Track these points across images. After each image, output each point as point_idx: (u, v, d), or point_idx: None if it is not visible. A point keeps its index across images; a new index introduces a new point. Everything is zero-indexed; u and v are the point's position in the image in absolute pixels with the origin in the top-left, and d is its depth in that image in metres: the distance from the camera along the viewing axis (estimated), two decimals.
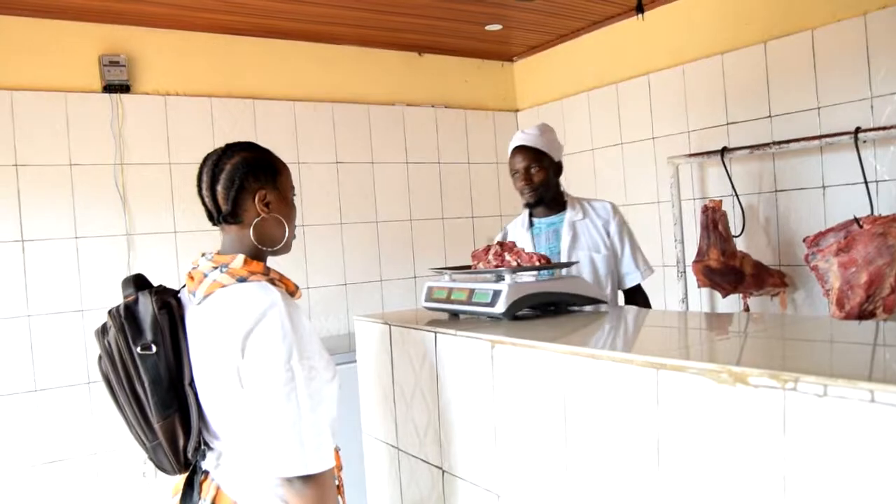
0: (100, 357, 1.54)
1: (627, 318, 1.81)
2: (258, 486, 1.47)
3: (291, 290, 1.54)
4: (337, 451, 1.59)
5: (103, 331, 1.53)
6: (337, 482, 1.55)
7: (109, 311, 1.52)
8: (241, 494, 1.48)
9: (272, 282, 1.49)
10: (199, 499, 1.51)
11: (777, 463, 0.98)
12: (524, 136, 2.58)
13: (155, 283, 1.60)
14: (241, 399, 1.42)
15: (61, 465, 3.19)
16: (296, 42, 3.89)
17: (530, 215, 2.70)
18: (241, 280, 1.47)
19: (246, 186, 1.51)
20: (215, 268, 1.49)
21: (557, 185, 2.65)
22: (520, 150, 2.58)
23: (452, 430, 1.72)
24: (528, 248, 2.50)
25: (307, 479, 1.38)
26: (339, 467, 1.59)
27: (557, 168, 2.62)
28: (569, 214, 2.61)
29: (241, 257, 1.49)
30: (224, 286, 1.46)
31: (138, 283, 1.56)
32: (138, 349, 1.45)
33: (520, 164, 2.57)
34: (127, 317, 1.48)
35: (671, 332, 1.64)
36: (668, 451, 1.14)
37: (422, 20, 3.74)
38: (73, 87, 3.30)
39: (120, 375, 1.49)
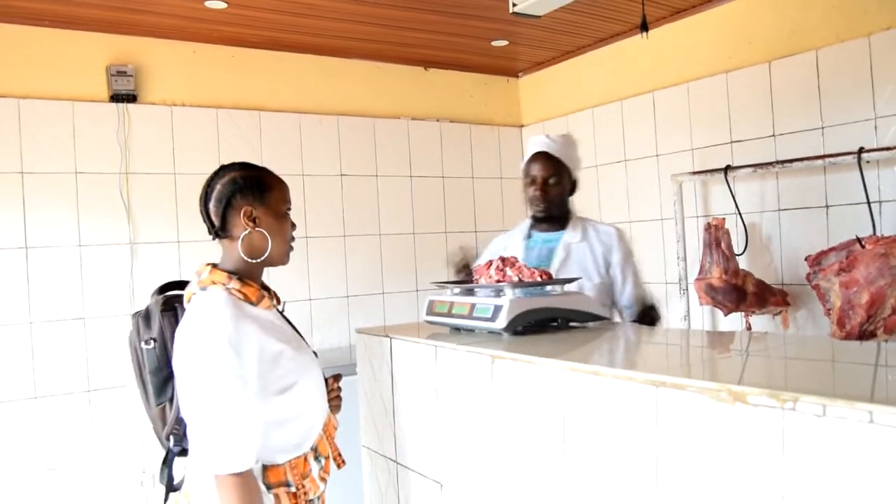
0: None
1: (629, 335, 1.81)
2: (200, 479, 1.57)
3: (252, 300, 1.60)
4: (305, 458, 1.63)
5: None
6: (294, 489, 1.59)
7: (133, 314, 1.78)
8: (192, 484, 1.61)
9: (228, 290, 1.57)
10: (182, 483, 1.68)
11: (776, 482, 0.97)
12: (549, 142, 2.37)
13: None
14: (181, 396, 1.56)
15: (60, 472, 3.18)
16: (303, 55, 3.92)
17: (530, 226, 2.54)
18: (203, 289, 1.59)
19: (233, 203, 1.62)
20: (197, 278, 1.63)
21: (568, 202, 2.49)
22: (541, 156, 2.36)
23: (451, 444, 1.72)
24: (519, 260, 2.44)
25: (218, 478, 1.47)
26: (304, 475, 1.62)
27: (573, 185, 2.45)
28: (567, 235, 2.42)
29: (208, 268, 1.62)
30: (194, 294, 1.61)
31: (175, 287, 1.77)
32: (143, 343, 1.70)
33: (539, 171, 2.36)
34: (143, 316, 1.74)
35: (672, 349, 1.64)
36: (667, 469, 1.14)
37: (429, 35, 3.76)
38: (81, 97, 3.33)
39: (135, 366, 1.75)
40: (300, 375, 1.60)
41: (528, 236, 2.52)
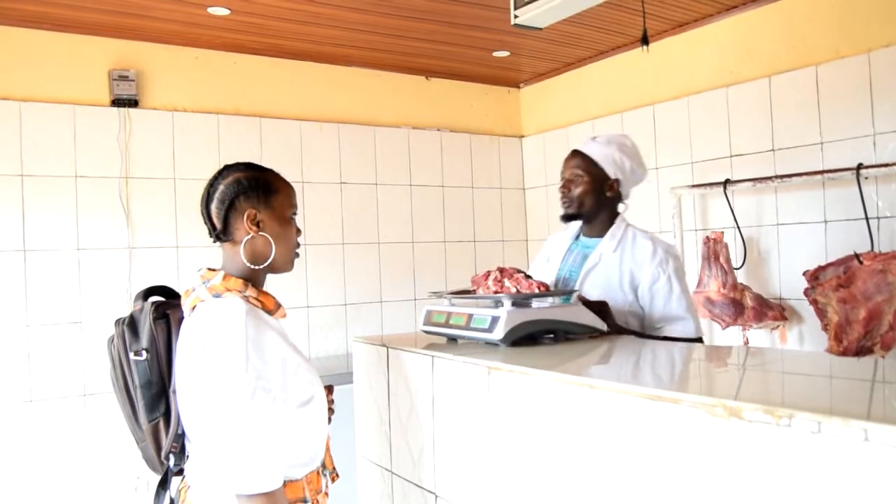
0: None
1: (625, 348, 1.81)
2: (216, 497, 1.48)
3: (269, 309, 1.55)
4: (318, 473, 1.60)
5: (112, 338, 1.67)
6: None
7: (116, 321, 1.65)
8: (198, 500, 1.51)
9: (246, 298, 1.50)
10: (180, 501, 1.57)
11: (770, 499, 0.97)
12: (587, 140, 2.27)
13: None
14: (196, 410, 1.45)
15: (54, 476, 3.17)
16: (304, 62, 3.93)
17: (580, 228, 2.37)
18: (217, 296, 1.50)
19: (236, 206, 1.54)
20: (202, 283, 1.52)
21: (608, 206, 2.25)
22: (572, 154, 2.27)
23: (447, 455, 1.71)
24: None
25: (246, 497, 1.38)
26: (317, 490, 1.59)
27: (609, 185, 2.23)
28: (603, 243, 2.23)
29: (221, 274, 1.52)
30: (203, 301, 1.50)
31: (156, 293, 1.67)
32: (132, 354, 1.58)
33: (565, 169, 2.27)
34: (128, 325, 1.61)
35: (669, 363, 1.64)
36: (662, 483, 1.13)
37: (431, 45, 3.77)
38: (82, 100, 3.33)
39: (118, 378, 1.63)
40: (316, 388, 1.55)
41: (577, 238, 2.38)
